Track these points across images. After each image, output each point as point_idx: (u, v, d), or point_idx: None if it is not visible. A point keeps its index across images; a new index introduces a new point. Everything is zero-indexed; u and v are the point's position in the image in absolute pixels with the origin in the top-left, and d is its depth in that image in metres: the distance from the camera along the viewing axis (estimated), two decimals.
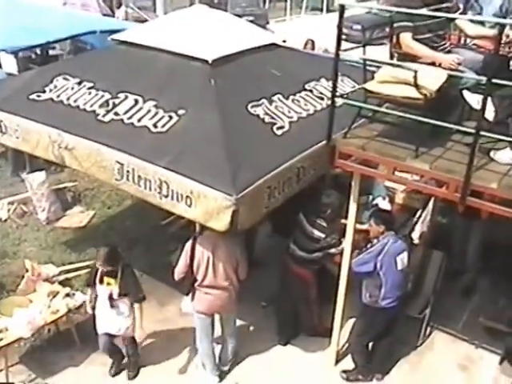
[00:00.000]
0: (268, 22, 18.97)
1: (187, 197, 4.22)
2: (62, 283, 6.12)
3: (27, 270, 6.15)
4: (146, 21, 12.72)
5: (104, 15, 12.84)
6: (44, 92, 5.43)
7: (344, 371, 5.58)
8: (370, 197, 6.51)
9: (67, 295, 5.69)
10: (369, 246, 5.08)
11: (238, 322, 5.81)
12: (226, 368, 5.63)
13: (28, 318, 5.25)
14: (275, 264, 5.98)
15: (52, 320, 5.53)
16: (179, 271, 5.10)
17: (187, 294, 5.22)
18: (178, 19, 6.11)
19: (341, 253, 5.23)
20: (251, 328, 6.07)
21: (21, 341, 5.43)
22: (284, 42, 6.54)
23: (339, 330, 5.49)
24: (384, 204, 6.26)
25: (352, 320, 5.54)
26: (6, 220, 7.81)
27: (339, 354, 5.70)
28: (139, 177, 4.46)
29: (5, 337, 5.17)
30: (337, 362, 5.69)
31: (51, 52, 11.65)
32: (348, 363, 5.62)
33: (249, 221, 4.26)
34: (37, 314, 5.36)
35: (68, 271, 6.61)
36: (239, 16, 9.53)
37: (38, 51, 10.77)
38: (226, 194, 4.03)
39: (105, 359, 5.65)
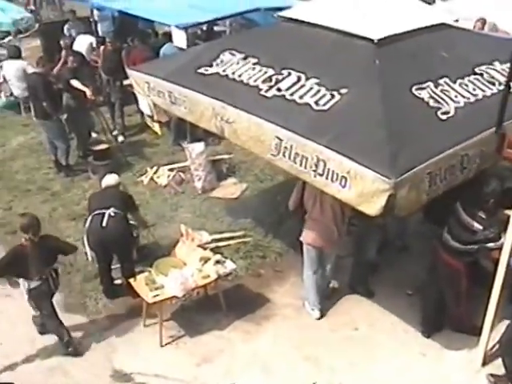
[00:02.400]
0: (434, 1, 17.93)
1: (343, 177, 4.18)
2: (213, 250, 6.38)
3: (182, 235, 6.48)
4: None
5: None
6: (211, 66, 5.66)
7: (492, 375, 5.22)
8: None
9: (218, 262, 5.92)
10: None
11: (381, 309, 5.83)
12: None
13: (181, 278, 5.57)
14: (424, 252, 5.77)
15: (202, 284, 5.80)
16: (292, 202, 5.81)
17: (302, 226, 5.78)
18: None
19: (499, 248, 4.91)
20: (394, 316, 5.92)
21: (174, 299, 5.76)
22: (456, 21, 6.19)
23: (490, 329, 5.17)
24: None
25: (506, 321, 5.18)
26: (165, 186, 8.31)
27: (487, 355, 5.35)
28: (296, 154, 4.50)
29: (161, 293, 5.55)
30: (484, 363, 5.35)
31: (215, 28, 12.17)
32: (497, 367, 5.25)
33: (408, 207, 4.13)
34: (189, 276, 5.65)
35: (219, 239, 6.90)
36: None
37: (204, 27, 11.32)
38: (384, 176, 3.93)
39: (248, 327, 5.88)
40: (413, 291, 6.11)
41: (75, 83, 8.56)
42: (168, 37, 9.74)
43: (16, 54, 10.27)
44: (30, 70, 9.43)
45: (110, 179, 6.33)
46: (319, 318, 5.98)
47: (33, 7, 16.81)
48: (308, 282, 5.93)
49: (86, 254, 6.30)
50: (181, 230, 6.55)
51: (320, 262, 5.83)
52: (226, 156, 8.83)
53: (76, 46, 10.47)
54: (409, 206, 4.16)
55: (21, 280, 5.52)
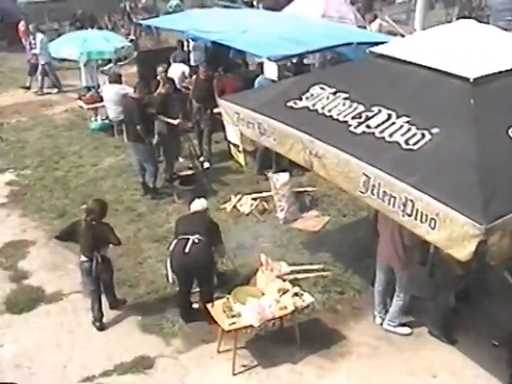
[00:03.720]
0: None
1: (432, 219, 4.09)
2: (292, 282, 6.34)
3: (261, 264, 6.50)
4: (399, 34, 12.68)
5: (359, 27, 13.12)
6: (300, 100, 5.71)
7: None
8: None
9: (296, 294, 5.88)
10: None
11: (463, 357, 5.59)
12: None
13: (259, 308, 5.57)
14: (510, 299, 5.47)
15: (279, 315, 5.77)
16: (371, 215, 6.16)
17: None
18: (440, 34, 5.93)
19: None
20: (478, 367, 5.61)
21: (249, 328, 5.76)
22: None
23: None
24: None
25: None
26: (248, 214, 8.39)
27: None
28: (384, 192, 4.45)
29: (237, 321, 5.58)
30: None
31: (305, 61, 12.31)
32: None
33: (500, 255, 3.98)
34: (267, 306, 5.64)
35: (298, 271, 6.86)
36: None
37: (294, 60, 11.48)
38: (475, 221, 3.81)
39: (322, 363, 5.78)
40: (499, 342, 5.78)
41: (162, 118, 8.90)
42: (260, 67, 9.94)
43: (116, 79, 10.83)
44: (127, 93, 9.89)
45: (198, 204, 6.43)
46: (380, 324, 6.22)
47: (133, 37, 17.87)
48: (375, 289, 6.23)
49: (166, 276, 6.44)
50: (261, 259, 6.58)
51: (386, 278, 6.00)
52: (309, 188, 8.84)
53: (169, 74, 10.89)
54: (501, 254, 4.00)
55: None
